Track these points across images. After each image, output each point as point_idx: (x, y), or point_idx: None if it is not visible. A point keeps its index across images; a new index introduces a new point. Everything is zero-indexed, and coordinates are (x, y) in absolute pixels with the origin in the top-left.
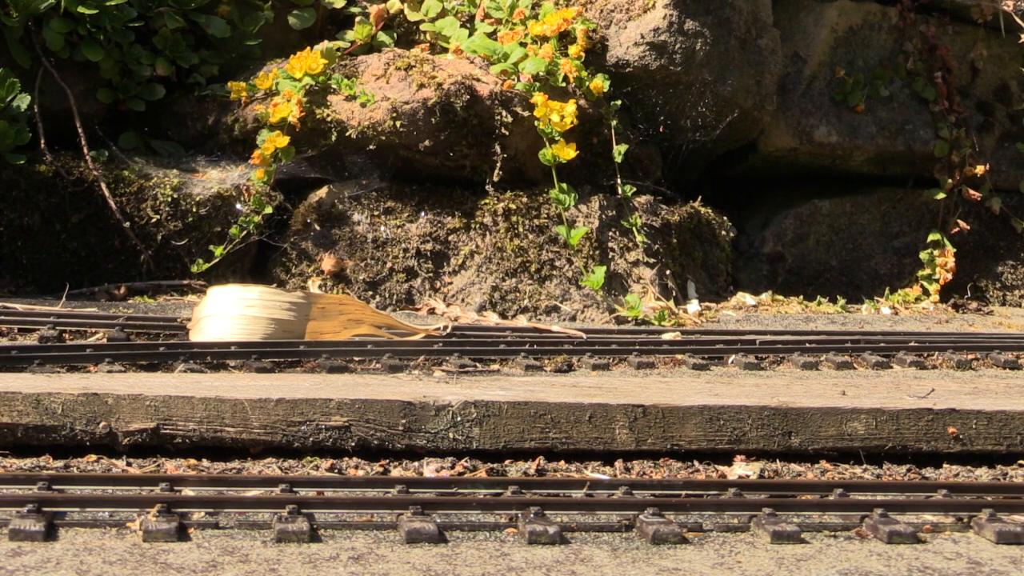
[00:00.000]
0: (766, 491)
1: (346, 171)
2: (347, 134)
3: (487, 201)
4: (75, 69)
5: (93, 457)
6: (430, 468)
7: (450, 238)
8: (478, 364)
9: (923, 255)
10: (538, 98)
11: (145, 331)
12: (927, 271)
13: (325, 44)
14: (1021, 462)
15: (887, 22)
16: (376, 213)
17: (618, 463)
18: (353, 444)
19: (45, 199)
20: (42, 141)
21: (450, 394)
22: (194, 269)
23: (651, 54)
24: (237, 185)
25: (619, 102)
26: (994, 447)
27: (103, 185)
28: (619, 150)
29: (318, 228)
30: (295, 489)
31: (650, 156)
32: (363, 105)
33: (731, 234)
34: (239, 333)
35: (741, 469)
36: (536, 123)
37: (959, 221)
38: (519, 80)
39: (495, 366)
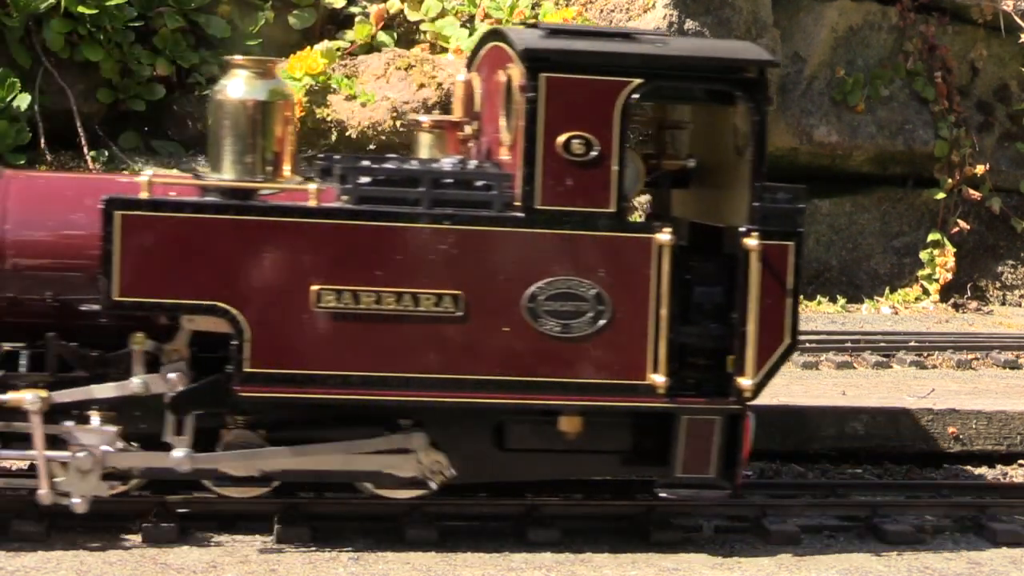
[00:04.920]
0: (766, 491)
1: None
2: (347, 134)
3: None
4: (75, 69)
5: None
6: None
7: None
8: None
9: (923, 255)
10: None
11: None
12: (927, 271)
13: (325, 44)
14: (1021, 462)
15: (887, 22)
16: None
17: None
18: None
19: None
20: (42, 141)
21: None
22: None
23: None
24: None
25: None
26: (994, 447)
27: None
28: None
29: None
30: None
31: None
32: (363, 105)
33: None
34: None
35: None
36: None
37: (959, 221)
38: None
39: None
